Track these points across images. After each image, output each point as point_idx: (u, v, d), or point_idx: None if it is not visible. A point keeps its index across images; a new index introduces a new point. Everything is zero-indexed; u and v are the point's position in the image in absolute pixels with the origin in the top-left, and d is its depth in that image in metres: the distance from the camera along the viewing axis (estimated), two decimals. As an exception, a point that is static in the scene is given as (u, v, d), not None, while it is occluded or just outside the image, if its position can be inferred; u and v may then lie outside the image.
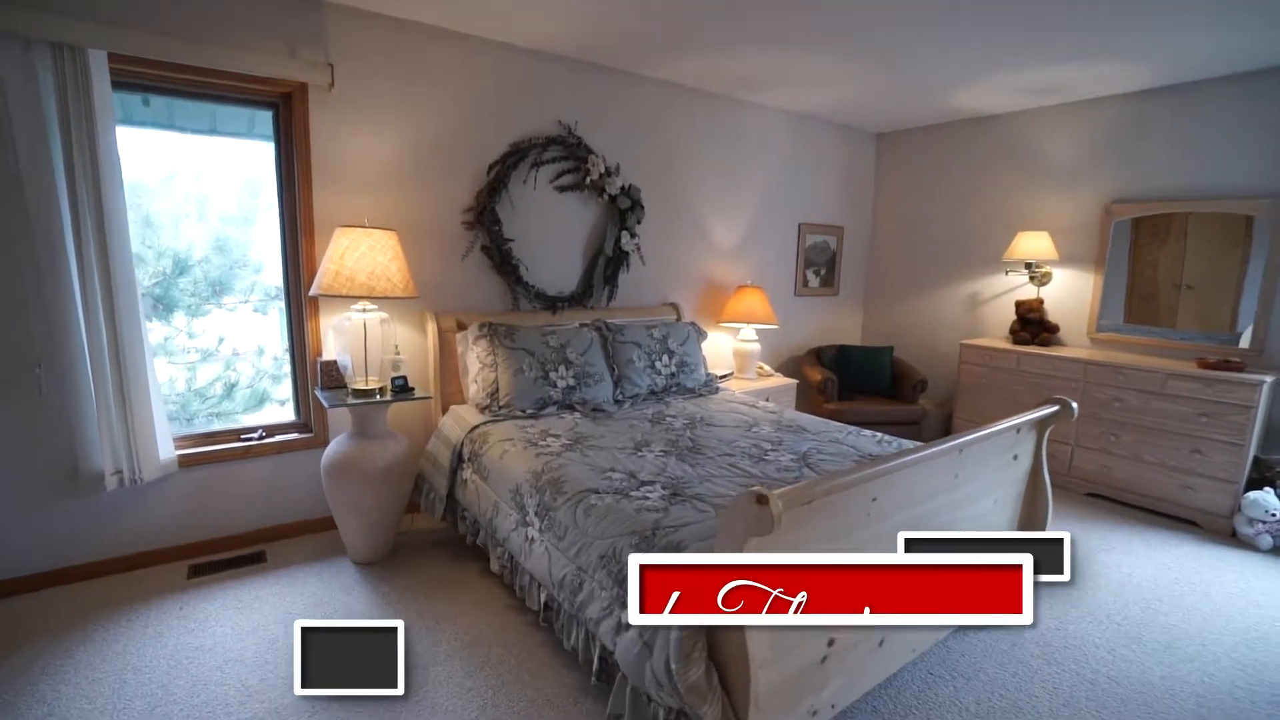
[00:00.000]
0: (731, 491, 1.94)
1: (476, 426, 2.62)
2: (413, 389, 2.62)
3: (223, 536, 2.64)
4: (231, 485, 2.64)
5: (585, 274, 3.54)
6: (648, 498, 1.88)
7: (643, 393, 3.17)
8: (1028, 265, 4.00)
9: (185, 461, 2.50)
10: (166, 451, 2.42)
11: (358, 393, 2.49)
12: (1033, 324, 4.03)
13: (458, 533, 2.70)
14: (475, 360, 2.85)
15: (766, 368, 4.20)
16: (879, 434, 2.68)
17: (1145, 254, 3.71)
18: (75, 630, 2.08)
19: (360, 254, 2.36)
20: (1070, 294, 3.99)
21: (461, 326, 3.03)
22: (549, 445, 2.37)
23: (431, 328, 2.93)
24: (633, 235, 3.60)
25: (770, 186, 4.37)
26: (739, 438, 2.56)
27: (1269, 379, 3.03)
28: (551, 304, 3.36)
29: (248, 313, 2.97)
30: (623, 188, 3.51)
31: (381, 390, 2.54)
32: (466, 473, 2.54)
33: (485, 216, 3.07)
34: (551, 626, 1.98)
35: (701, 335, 3.56)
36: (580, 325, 3.32)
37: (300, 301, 2.73)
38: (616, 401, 3.05)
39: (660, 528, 1.68)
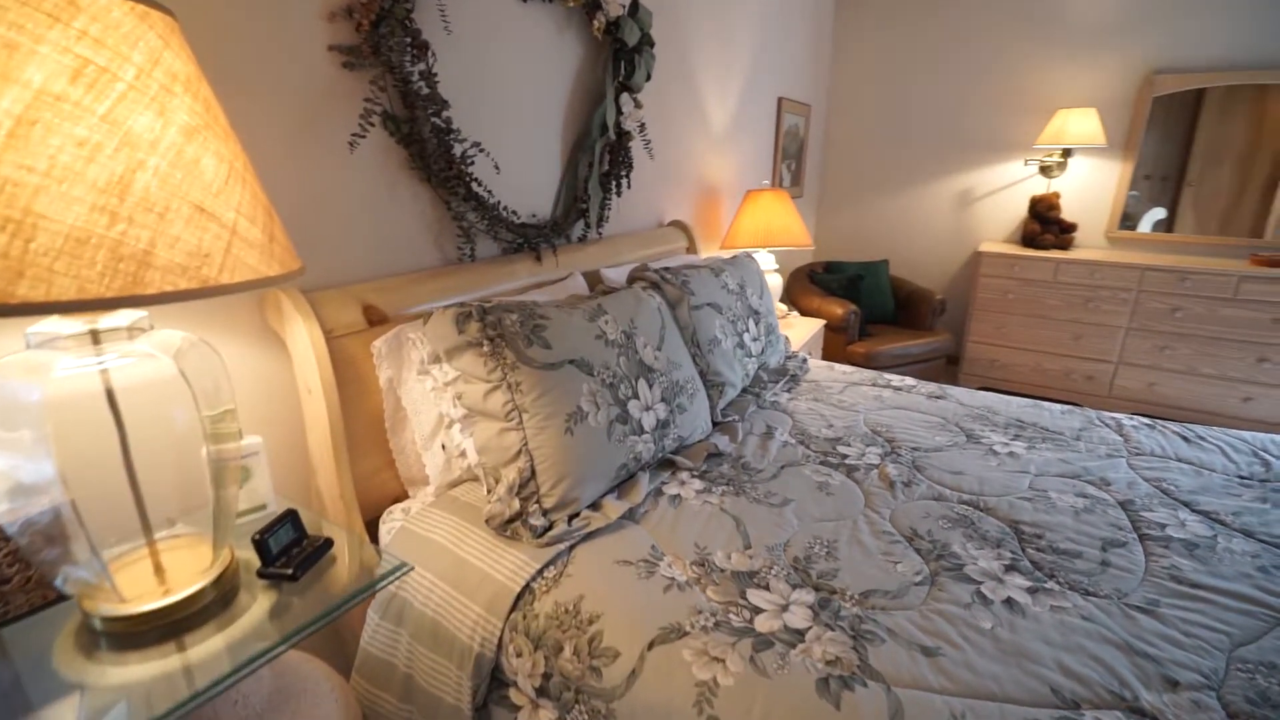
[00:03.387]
0: None
1: (526, 591, 1.01)
2: (321, 547, 0.87)
3: None
4: None
5: (567, 178, 1.86)
6: None
7: (736, 394, 1.76)
8: (1066, 152, 3.31)
9: None
10: None
11: (115, 629, 0.70)
12: (1051, 224, 3.42)
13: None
14: (450, 402, 1.16)
15: (782, 307, 3.00)
16: (1148, 420, 1.71)
17: (1174, 137, 3.23)
18: None
19: (77, 104, 0.51)
20: (1086, 187, 3.43)
21: (375, 319, 1.25)
22: (787, 651, 0.92)
23: (306, 334, 1.10)
24: (637, 103, 1.98)
25: (756, 40, 2.95)
26: (1043, 497, 1.36)
27: (1355, 275, 2.76)
28: (530, 240, 1.66)
29: None
30: (632, 7, 1.84)
31: (229, 594, 0.77)
32: (534, 720, 0.96)
33: (390, 35, 1.22)
34: None
35: (761, 276, 2.18)
36: (590, 282, 1.72)
37: None
38: (717, 425, 1.61)
39: None
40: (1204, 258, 3.12)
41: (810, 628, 0.93)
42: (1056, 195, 3.41)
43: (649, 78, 1.96)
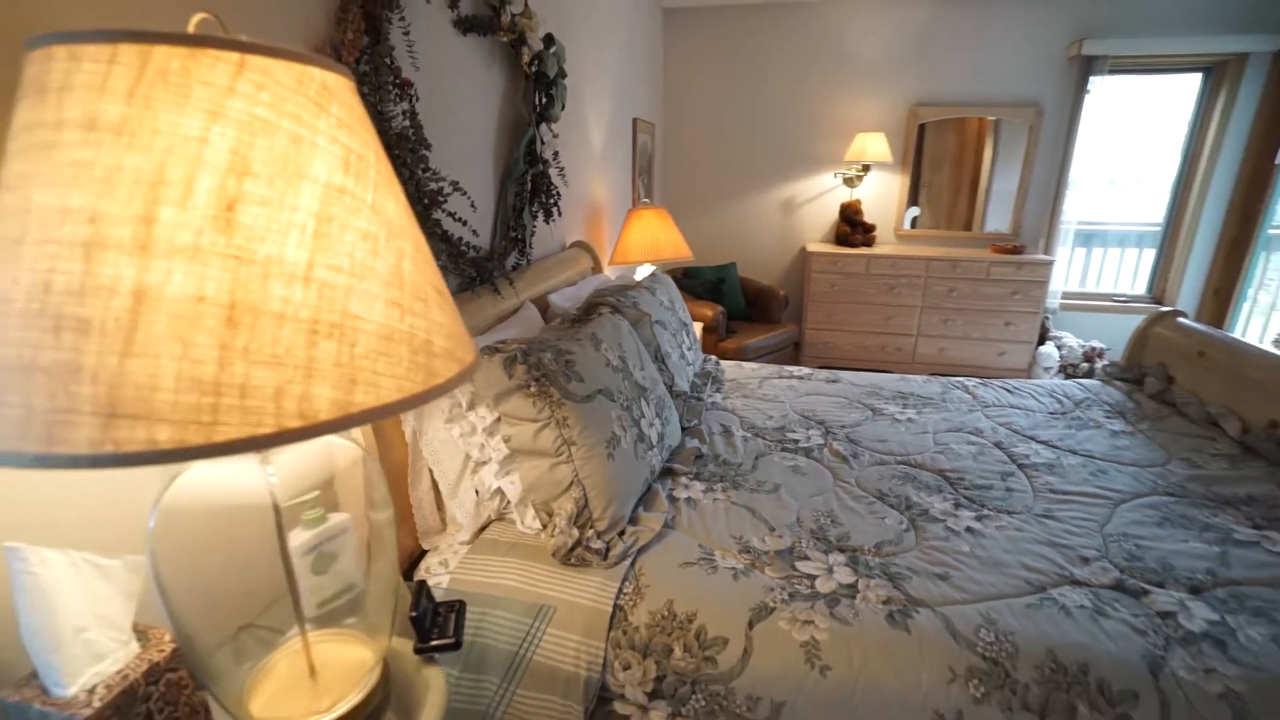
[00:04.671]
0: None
1: (616, 609, 1.08)
2: (460, 610, 0.86)
3: None
4: None
5: (500, 208, 1.87)
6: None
7: (685, 399, 1.94)
8: (865, 167, 4.03)
9: None
10: None
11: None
12: (858, 226, 4.16)
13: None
14: (480, 446, 1.17)
15: (668, 314, 3.24)
16: (974, 380, 2.26)
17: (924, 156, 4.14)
18: None
19: (354, 195, 0.47)
20: (880, 195, 4.23)
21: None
22: (852, 601, 1.13)
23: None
24: (554, 133, 2.05)
25: (616, 65, 3.15)
26: (948, 449, 1.76)
27: (1055, 258, 3.82)
28: (484, 273, 1.66)
29: None
30: (547, 40, 1.89)
31: (388, 688, 0.75)
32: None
33: (372, 73, 1.17)
34: None
35: (673, 289, 2.38)
36: (549, 310, 1.78)
37: None
38: (685, 429, 1.77)
39: None
40: (961, 248, 4.06)
41: (857, 579, 1.15)
42: (859, 202, 4.15)
43: (564, 108, 2.05)
